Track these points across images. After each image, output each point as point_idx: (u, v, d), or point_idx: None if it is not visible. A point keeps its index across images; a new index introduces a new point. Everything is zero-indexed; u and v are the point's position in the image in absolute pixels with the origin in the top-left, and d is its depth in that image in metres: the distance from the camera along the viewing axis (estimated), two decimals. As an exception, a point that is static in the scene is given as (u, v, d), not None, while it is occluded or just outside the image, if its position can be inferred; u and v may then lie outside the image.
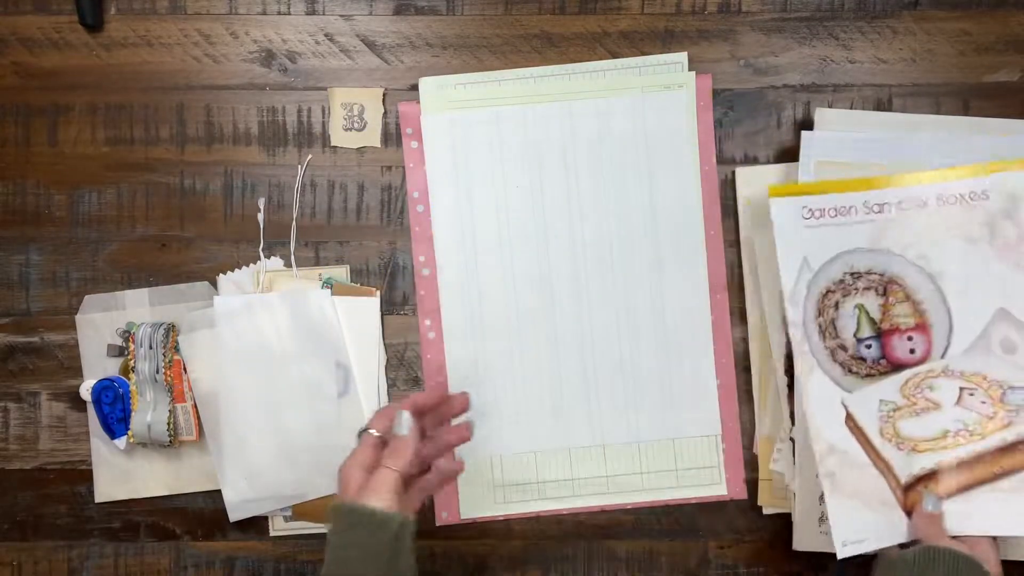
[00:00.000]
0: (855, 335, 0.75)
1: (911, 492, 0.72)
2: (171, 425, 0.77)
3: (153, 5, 0.79)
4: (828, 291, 0.75)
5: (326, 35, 0.79)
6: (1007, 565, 0.79)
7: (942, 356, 0.74)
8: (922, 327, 0.75)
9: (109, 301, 0.79)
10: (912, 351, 0.75)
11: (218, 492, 0.79)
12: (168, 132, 0.79)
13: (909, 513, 0.72)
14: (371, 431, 0.68)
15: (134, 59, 0.79)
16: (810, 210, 0.75)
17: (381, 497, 0.65)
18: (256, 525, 0.80)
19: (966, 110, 0.79)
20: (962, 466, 0.72)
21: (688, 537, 0.80)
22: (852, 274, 0.75)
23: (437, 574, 0.80)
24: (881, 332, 0.75)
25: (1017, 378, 0.73)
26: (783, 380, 0.78)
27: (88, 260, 0.80)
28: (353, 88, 0.79)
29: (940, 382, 0.74)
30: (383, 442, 0.68)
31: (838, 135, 0.77)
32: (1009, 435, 0.72)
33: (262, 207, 0.79)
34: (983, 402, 0.73)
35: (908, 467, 0.72)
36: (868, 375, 0.75)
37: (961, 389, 0.73)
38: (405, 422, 0.68)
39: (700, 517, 0.80)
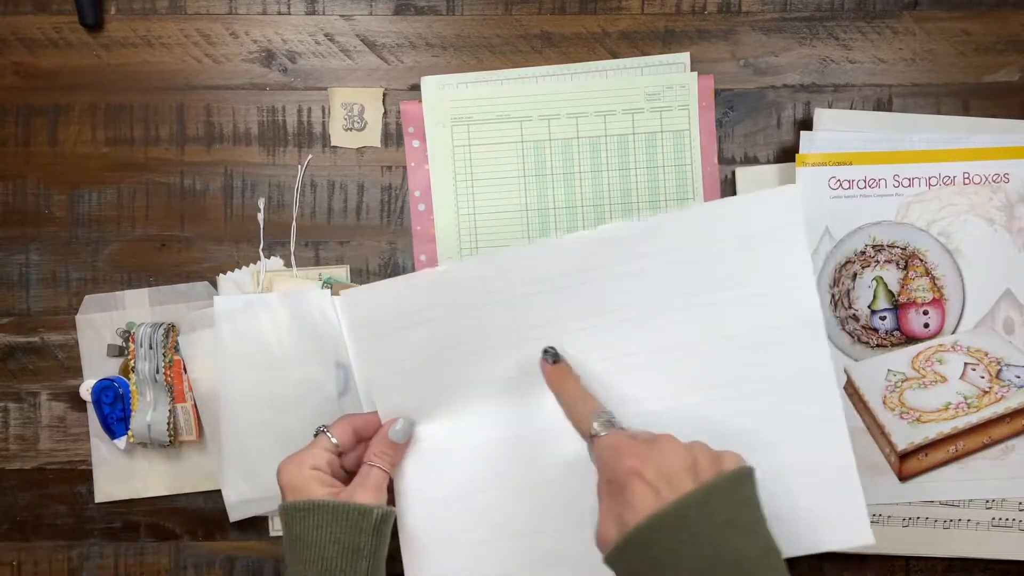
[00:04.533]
0: (870, 306, 0.77)
1: (908, 459, 0.77)
2: (171, 425, 0.77)
3: (153, 5, 0.79)
4: (848, 261, 0.77)
5: (326, 35, 0.79)
6: (1008, 564, 0.79)
7: (952, 332, 0.78)
8: (938, 302, 0.77)
9: (109, 301, 0.79)
10: (926, 325, 0.77)
11: (218, 492, 0.79)
12: (168, 132, 0.79)
13: (903, 478, 0.77)
14: (329, 435, 0.68)
15: (134, 59, 0.79)
16: (838, 180, 0.76)
17: (369, 494, 0.65)
18: (256, 525, 0.79)
19: (966, 110, 0.79)
20: (958, 436, 0.77)
21: (688, 537, 0.80)
22: (874, 246, 0.77)
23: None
24: (898, 305, 0.77)
25: (1012, 357, 0.77)
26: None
27: (88, 260, 0.80)
28: (353, 88, 0.79)
29: (948, 356, 0.77)
30: (337, 450, 0.68)
31: (838, 135, 0.77)
32: (1000, 408, 0.77)
33: (262, 207, 0.79)
34: (982, 377, 0.77)
35: (909, 436, 0.76)
36: (879, 345, 0.78)
37: (965, 364, 0.77)
38: (404, 430, 0.69)
39: (700, 517, 0.80)
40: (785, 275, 0.64)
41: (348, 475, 0.69)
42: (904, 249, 0.77)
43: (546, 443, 0.68)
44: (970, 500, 0.78)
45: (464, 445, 0.69)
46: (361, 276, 0.79)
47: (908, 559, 0.79)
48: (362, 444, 0.70)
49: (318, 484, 0.65)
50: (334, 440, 0.68)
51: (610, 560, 0.56)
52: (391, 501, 0.70)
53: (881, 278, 0.78)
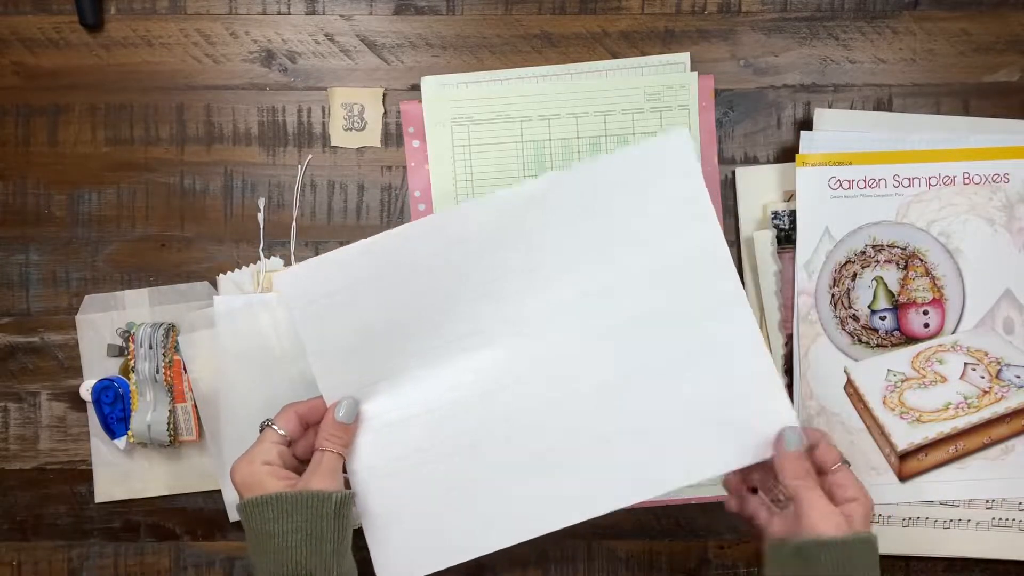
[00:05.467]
0: (870, 306, 0.78)
1: (908, 459, 0.77)
2: (171, 425, 0.77)
3: (153, 5, 0.79)
4: (848, 261, 0.77)
5: (326, 35, 0.79)
6: (1008, 564, 0.79)
7: (953, 331, 0.78)
8: (938, 302, 0.77)
9: (109, 301, 0.79)
10: (926, 325, 0.78)
11: (218, 492, 0.79)
12: (168, 132, 0.79)
13: (903, 478, 0.77)
14: (276, 427, 0.67)
15: (134, 59, 0.79)
16: (837, 180, 0.76)
17: (326, 480, 0.65)
18: (256, 525, 0.79)
19: (966, 110, 0.79)
20: (958, 436, 0.77)
21: (688, 537, 0.80)
22: (874, 246, 0.77)
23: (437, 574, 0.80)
24: (898, 305, 0.78)
25: (1012, 357, 0.77)
26: (782, 380, 0.78)
27: (88, 260, 0.80)
28: (353, 88, 0.79)
29: (948, 356, 0.78)
30: (286, 441, 0.67)
31: (838, 135, 0.77)
32: (1000, 408, 0.77)
33: (262, 207, 0.79)
34: (982, 377, 0.77)
35: (909, 436, 0.77)
36: (879, 345, 0.78)
37: (965, 364, 0.78)
38: (349, 410, 0.68)
39: (700, 517, 0.80)
40: (689, 213, 0.69)
41: (301, 464, 0.68)
42: (904, 249, 0.77)
43: (492, 402, 0.70)
44: (970, 500, 0.78)
45: (412, 416, 0.70)
46: (361, 276, 0.79)
47: (908, 559, 0.79)
48: (311, 431, 0.69)
49: (272, 478, 0.64)
50: (281, 431, 0.67)
51: (837, 544, 0.61)
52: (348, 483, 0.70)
53: (881, 278, 0.78)
